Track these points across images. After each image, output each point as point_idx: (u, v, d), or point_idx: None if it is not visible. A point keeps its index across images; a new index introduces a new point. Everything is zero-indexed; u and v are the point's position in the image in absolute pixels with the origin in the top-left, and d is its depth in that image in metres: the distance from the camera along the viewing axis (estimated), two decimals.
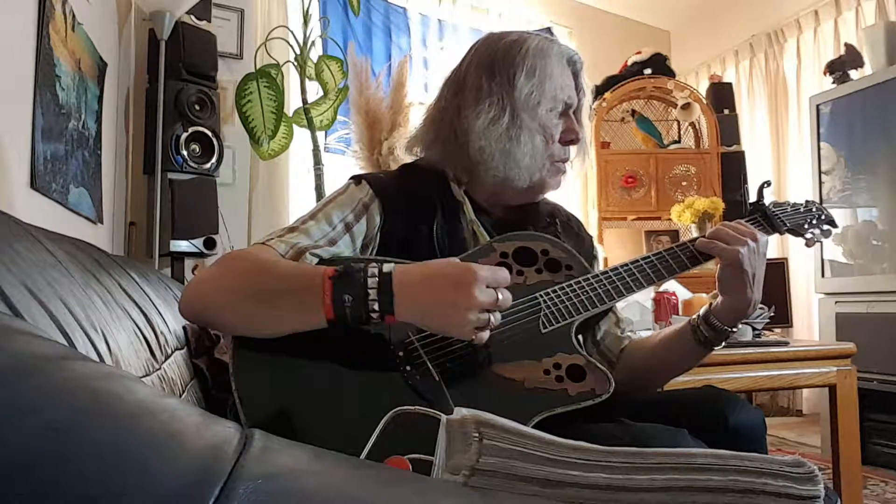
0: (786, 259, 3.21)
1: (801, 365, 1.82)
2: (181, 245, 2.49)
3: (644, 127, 4.04)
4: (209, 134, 2.58)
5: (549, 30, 3.92)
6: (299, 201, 3.25)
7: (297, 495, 0.31)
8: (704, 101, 3.83)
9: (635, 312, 1.91)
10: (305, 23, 2.58)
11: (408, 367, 0.84)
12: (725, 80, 4.21)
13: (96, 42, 2.04)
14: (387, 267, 0.80)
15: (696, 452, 0.50)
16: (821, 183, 3.12)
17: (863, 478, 2.11)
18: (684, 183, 3.79)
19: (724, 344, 1.05)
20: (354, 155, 2.94)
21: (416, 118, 2.44)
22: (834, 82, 3.13)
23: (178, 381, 1.04)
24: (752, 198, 1.16)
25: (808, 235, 1.15)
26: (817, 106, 3.15)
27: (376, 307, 0.77)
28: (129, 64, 2.61)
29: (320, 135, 2.70)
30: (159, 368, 0.95)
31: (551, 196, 1.15)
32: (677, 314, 1.98)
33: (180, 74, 2.53)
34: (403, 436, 0.62)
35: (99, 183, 2.09)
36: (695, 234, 3.19)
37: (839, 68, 3.12)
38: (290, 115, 2.63)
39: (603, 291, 0.97)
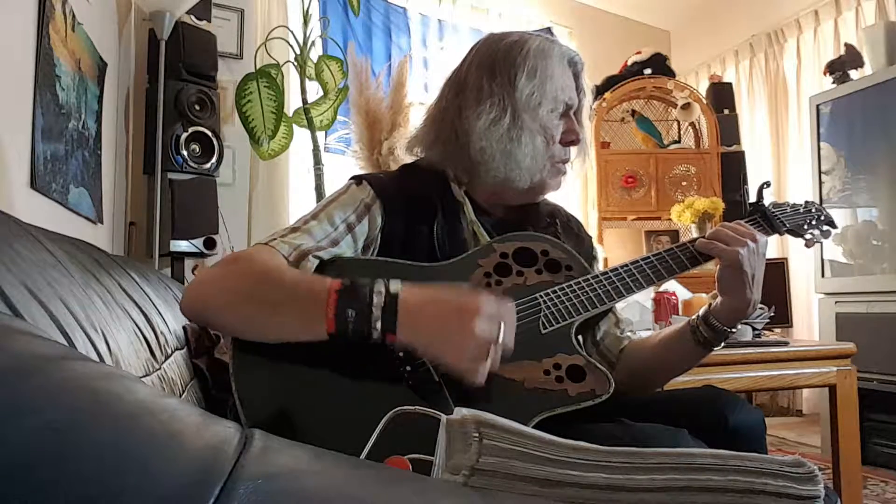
0: (786, 259, 3.21)
1: (801, 365, 1.82)
2: (181, 245, 2.50)
3: (644, 127, 4.04)
4: (209, 134, 2.58)
5: (549, 30, 3.92)
6: (299, 201, 3.25)
7: (297, 495, 0.31)
8: (704, 101, 3.83)
9: (635, 312, 1.91)
10: (305, 23, 2.58)
11: (408, 368, 0.84)
12: (725, 80, 4.21)
13: (96, 42, 2.04)
14: (394, 287, 0.79)
15: (695, 452, 0.50)
16: (821, 183, 3.12)
17: (863, 478, 2.11)
18: (684, 183, 3.79)
19: (723, 344, 1.05)
20: (354, 155, 2.94)
21: (416, 118, 2.44)
22: (834, 82, 3.13)
23: (178, 381, 1.05)
24: (752, 198, 1.16)
25: (808, 236, 1.15)
26: (817, 106, 3.15)
27: (378, 325, 0.77)
28: (129, 64, 2.61)
29: (320, 135, 2.70)
30: (159, 368, 0.95)
31: (551, 196, 1.15)
32: (677, 314, 1.98)
33: (180, 74, 2.53)
34: (403, 436, 0.62)
35: (99, 183, 2.09)
36: (695, 234, 3.20)
37: (839, 68, 3.12)
38: (290, 115, 2.63)
39: (603, 292, 0.97)
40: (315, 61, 2.58)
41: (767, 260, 1.04)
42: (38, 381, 0.31)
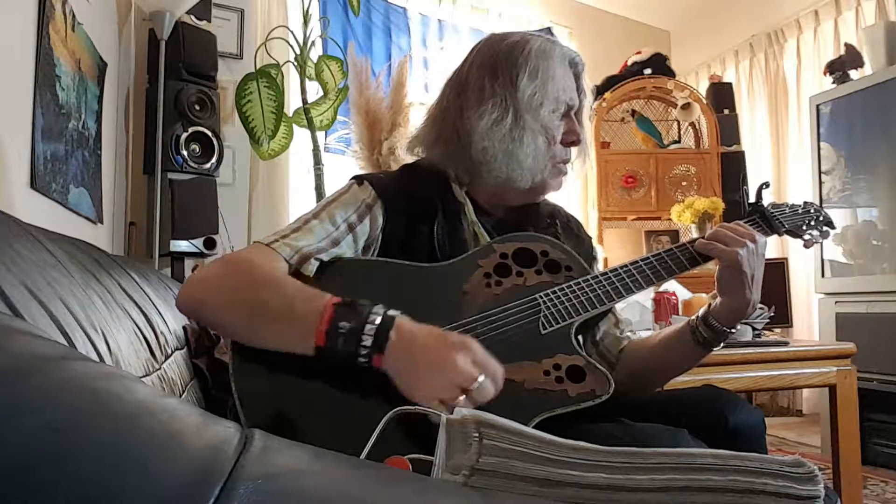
0: (786, 259, 3.21)
1: (801, 365, 1.82)
2: (181, 245, 2.50)
3: (644, 127, 4.04)
4: (209, 134, 2.58)
5: (549, 30, 3.92)
6: (299, 201, 3.25)
7: (297, 495, 0.31)
8: (704, 101, 3.83)
9: (635, 312, 1.91)
10: (305, 23, 2.58)
11: None
12: (725, 80, 4.21)
13: (96, 42, 2.04)
14: (392, 311, 0.79)
15: (695, 452, 0.50)
16: (821, 183, 3.12)
17: (863, 478, 2.11)
18: (684, 183, 3.79)
19: (722, 344, 1.05)
20: (354, 155, 2.94)
21: (416, 118, 2.45)
22: (834, 82, 3.13)
23: (178, 381, 1.05)
24: (752, 199, 1.16)
25: (807, 236, 1.15)
26: (817, 106, 3.15)
27: (369, 343, 0.76)
28: (129, 64, 2.61)
29: (320, 135, 2.70)
30: (159, 368, 0.95)
31: (551, 196, 1.15)
32: (677, 314, 1.98)
33: (180, 74, 2.53)
34: (403, 436, 0.62)
35: (99, 183, 2.09)
36: (695, 234, 3.20)
37: (839, 68, 3.12)
38: (290, 115, 2.63)
39: (602, 292, 0.97)
40: (315, 61, 2.58)
41: (767, 260, 1.04)
42: (38, 381, 0.31)
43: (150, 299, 1.11)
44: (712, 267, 1.06)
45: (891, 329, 2.68)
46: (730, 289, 0.99)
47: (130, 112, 2.60)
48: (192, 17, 2.61)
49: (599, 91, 3.78)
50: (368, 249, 0.99)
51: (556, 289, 0.96)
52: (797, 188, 3.73)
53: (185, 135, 2.51)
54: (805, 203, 1.19)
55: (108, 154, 2.26)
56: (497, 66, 1.04)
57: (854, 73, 3.10)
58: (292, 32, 2.60)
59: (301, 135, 2.69)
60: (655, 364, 1.09)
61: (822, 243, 1.17)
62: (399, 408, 0.62)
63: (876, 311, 2.77)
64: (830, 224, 1.19)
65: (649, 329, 1.90)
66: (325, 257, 0.92)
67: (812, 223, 1.16)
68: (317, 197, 2.54)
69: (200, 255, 2.56)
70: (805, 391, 3.72)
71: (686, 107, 3.80)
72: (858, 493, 1.82)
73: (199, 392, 1.21)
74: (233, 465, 0.31)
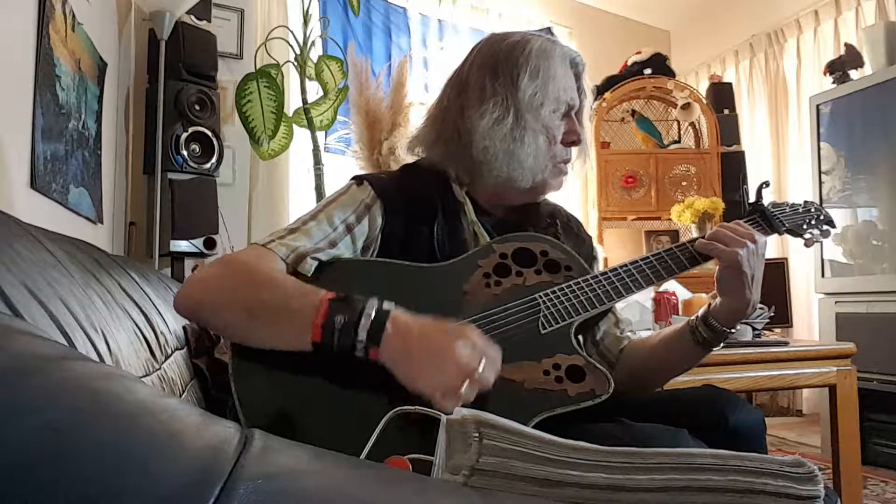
0: (786, 259, 3.21)
1: (801, 365, 1.82)
2: (181, 245, 2.50)
3: (644, 127, 4.04)
4: (209, 134, 2.58)
5: (549, 30, 3.92)
6: (299, 201, 3.25)
7: (297, 495, 0.31)
8: (704, 101, 3.83)
9: (635, 312, 1.91)
10: (305, 23, 2.58)
11: None
12: (725, 80, 4.21)
13: (96, 42, 2.04)
14: (387, 305, 0.79)
15: (695, 452, 0.50)
16: (821, 183, 3.12)
17: (863, 478, 2.11)
18: (684, 183, 3.79)
19: (722, 344, 1.05)
20: (354, 155, 2.94)
21: (416, 118, 2.45)
22: (834, 82, 3.13)
23: (178, 381, 1.05)
24: (752, 198, 1.16)
25: (807, 236, 1.15)
26: (817, 106, 3.15)
27: (364, 336, 0.76)
28: (129, 64, 2.61)
29: (320, 135, 2.70)
30: (159, 368, 0.95)
31: (552, 196, 1.15)
32: (677, 314, 1.98)
33: (180, 74, 2.53)
34: (403, 436, 0.62)
35: (99, 183, 2.09)
36: (695, 234, 3.20)
37: (839, 68, 3.12)
38: (290, 115, 2.63)
39: (602, 292, 0.97)
40: (315, 61, 2.58)
41: (767, 260, 1.04)
42: (38, 381, 0.31)
43: (150, 299, 1.11)
44: (712, 267, 1.06)
45: (891, 329, 2.68)
46: (730, 289, 0.99)
47: (130, 112, 2.60)
48: (192, 17, 2.61)
49: (599, 91, 3.78)
50: (367, 250, 0.99)
51: (555, 288, 0.95)
52: (797, 188, 3.73)
53: (185, 135, 2.51)
54: (805, 202, 1.19)
55: (108, 154, 2.26)
56: (498, 66, 1.04)
57: (854, 73, 3.10)
58: (292, 32, 2.60)
59: (301, 135, 2.69)
60: (655, 364, 1.09)
61: (822, 243, 1.16)
62: (399, 408, 0.62)
63: (876, 311, 2.77)
64: (831, 223, 1.19)
65: (649, 329, 1.90)
66: (322, 257, 0.92)
67: (813, 222, 1.16)
68: (317, 197, 2.54)
69: (200, 255, 2.56)
70: (805, 391, 3.72)
71: (686, 107, 3.80)
72: (858, 493, 1.82)
73: (199, 392, 1.21)
74: (233, 465, 0.31)
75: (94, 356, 0.63)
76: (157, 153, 2.43)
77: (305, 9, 2.60)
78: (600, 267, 1.13)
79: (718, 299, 1.02)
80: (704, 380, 1.44)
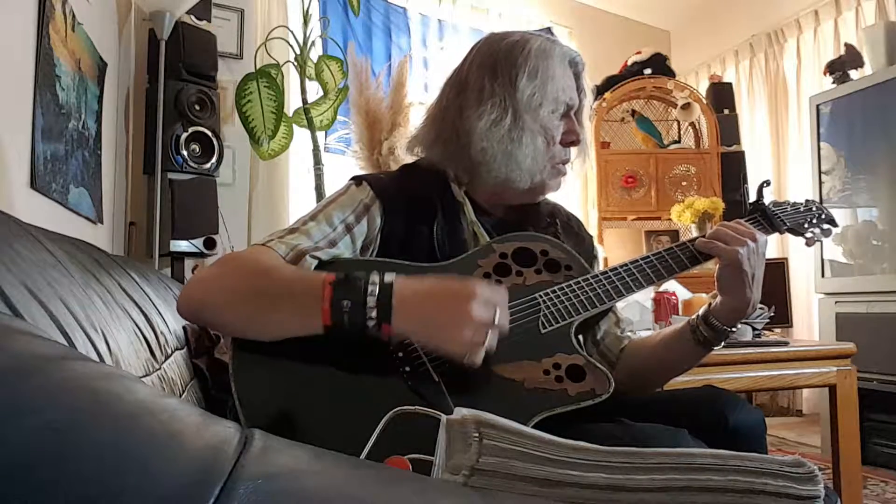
0: (786, 259, 3.21)
1: (801, 365, 1.82)
2: (181, 245, 2.50)
3: (644, 127, 4.04)
4: (209, 134, 2.58)
5: (549, 30, 3.91)
6: (299, 201, 3.25)
7: (297, 495, 0.31)
8: (704, 101, 3.83)
9: (635, 312, 1.91)
10: (305, 23, 2.58)
11: (407, 368, 0.84)
12: (725, 80, 4.21)
13: (96, 42, 2.04)
14: (388, 277, 0.79)
15: (695, 452, 0.50)
16: (821, 183, 3.12)
17: (863, 478, 2.11)
18: (684, 183, 3.79)
19: (723, 344, 1.05)
20: (354, 155, 2.94)
21: (416, 118, 2.44)
22: (834, 82, 3.13)
23: (178, 381, 1.05)
24: (752, 197, 1.16)
25: (809, 235, 1.15)
26: (817, 106, 3.15)
27: (374, 315, 0.77)
28: (129, 64, 2.61)
29: (320, 135, 2.70)
30: (159, 368, 0.95)
31: (552, 196, 1.15)
32: (677, 314, 1.98)
33: (180, 74, 2.53)
34: (403, 436, 0.62)
35: (99, 183, 2.09)
36: (695, 234, 3.20)
37: (839, 68, 3.12)
38: (290, 115, 2.63)
39: (602, 291, 0.96)
40: (315, 61, 2.58)
41: (767, 260, 1.04)
42: (38, 381, 0.31)
43: (150, 299, 1.10)
44: (712, 266, 1.06)
45: (891, 329, 2.68)
46: (730, 288, 0.99)
47: (130, 112, 2.60)
48: (192, 17, 2.61)
49: (599, 91, 3.78)
50: (367, 249, 0.99)
51: (555, 288, 0.95)
52: (797, 188, 3.73)
53: (185, 135, 2.51)
54: (807, 201, 1.19)
55: (108, 154, 2.26)
56: (496, 66, 1.04)
57: (854, 73, 3.10)
58: (292, 32, 2.60)
59: (301, 135, 2.69)
60: (656, 364, 1.09)
61: (822, 243, 1.16)
62: (399, 408, 0.62)
63: (876, 311, 2.77)
64: (832, 222, 1.18)
65: (649, 329, 1.90)
66: (322, 256, 0.92)
67: (814, 221, 1.16)
68: (317, 197, 2.54)
69: (200, 255, 2.56)
70: (805, 391, 3.72)
71: (686, 107, 3.80)
72: (858, 493, 1.82)
73: (199, 392, 1.21)
74: (233, 465, 0.31)
75: (94, 356, 0.63)
76: (157, 153, 2.43)
77: (305, 9, 2.60)
78: (600, 266, 1.13)
79: (719, 298, 1.02)
80: (704, 380, 1.44)
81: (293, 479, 0.32)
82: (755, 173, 3.84)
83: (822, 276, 3.08)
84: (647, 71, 3.86)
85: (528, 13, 4.30)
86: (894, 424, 2.67)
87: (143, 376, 0.86)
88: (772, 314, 1.91)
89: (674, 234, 3.85)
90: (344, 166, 3.07)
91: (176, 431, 0.32)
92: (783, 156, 3.97)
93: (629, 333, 1.15)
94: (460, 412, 0.50)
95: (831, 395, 1.83)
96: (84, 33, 1.90)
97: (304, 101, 2.55)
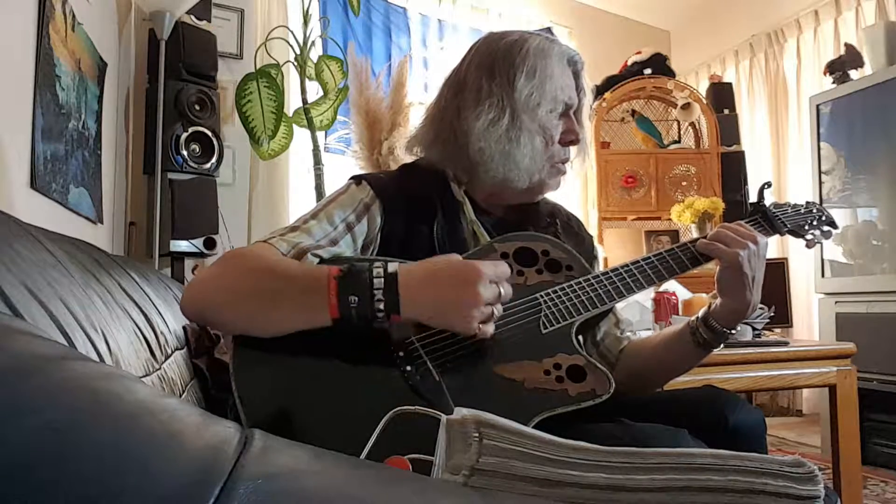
0: (786, 259, 3.21)
1: (801, 365, 1.82)
2: (181, 245, 2.49)
3: (644, 127, 4.04)
4: (209, 134, 2.58)
5: (549, 30, 3.90)
6: (299, 201, 3.25)
7: (297, 495, 0.31)
8: (704, 101, 3.83)
9: (635, 312, 1.91)
10: (305, 23, 2.58)
11: (408, 367, 0.84)
12: (725, 80, 4.21)
13: (96, 42, 2.04)
14: (391, 267, 0.80)
15: (695, 452, 0.50)
16: (821, 183, 3.12)
17: (863, 478, 2.11)
18: (684, 183, 3.79)
19: (722, 345, 1.05)
20: (354, 155, 2.94)
21: (416, 118, 2.44)
22: (834, 82, 3.13)
23: (178, 381, 1.04)
24: (753, 198, 1.16)
25: (809, 236, 1.15)
26: (817, 106, 3.15)
27: (382, 307, 0.78)
28: (129, 64, 2.61)
29: (320, 135, 2.70)
30: (159, 368, 0.95)
31: (551, 196, 1.15)
32: (677, 314, 1.98)
33: (180, 74, 2.53)
34: (403, 436, 0.62)
35: (99, 183, 2.09)
36: (695, 234, 3.19)
37: (839, 68, 3.12)
38: (290, 115, 2.63)
39: (603, 292, 0.96)
40: (315, 61, 2.58)
41: (767, 260, 1.04)
42: (38, 381, 0.31)
43: (150, 299, 1.10)
44: (712, 267, 1.06)
45: (891, 329, 2.68)
46: (730, 290, 0.99)
47: (130, 112, 2.60)
48: (192, 17, 2.61)
49: (599, 91, 3.78)
50: (367, 249, 0.99)
51: (556, 288, 0.95)
52: (797, 188, 3.74)
53: (185, 135, 2.51)
54: (807, 203, 1.19)
55: (108, 154, 2.26)
56: (494, 66, 1.04)
57: (854, 73, 3.10)
58: (292, 32, 2.60)
59: (301, 135, 2.69)
60: (655, 365, 1.09)
61: (822, 243, 1.16)
62: (399, 408, 0.62)
63: (876, 311, 2.77)
64: (833, 224, 1.18)
65: (649, 329, 1.90)
66: (323, 254, 0.92)
67: (814, 223, 1.16)
68: (317, 197, 2.54)
69: (200, 255, 2.56)
70: (805, 391, 3.72)
71: (686, 107, 3.80)
72: (858, 493, 1.82)
73: (199, 392, 1.21)
74: (233, 465, 0.31)
75: (94, 356, 0.63)
76: (157, 153, 2.43)
77: (305, 9, 2.60)
78: (600, 267, 1.13)
79: (718, 300, 1.02)
80: (704, 380, 1.44)
81: (293, 479, 0.32)
82: (755, 173, 3.84)
83: (822, 276, 3.08)
84: (647, 71, 3.86)
85: (528, 13, 4.30)
86: (894, 424, 2.67)
87: (143, 376, 0.86)
88: (772, 314, 1.91)
89: (674, 234, 3.85)
90: (344, 166, 3.07)
91: (176, 431, 0.32)
92: (783, 156, 3.97)
93: (629, 334, 1.15)
94: (460, 412, 0.50)
95: (831, 395, 1.83)
96: (84, 33, 1.90)
97: (304, 101, 2.55)
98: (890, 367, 2.65)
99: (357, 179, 1.03)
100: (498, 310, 0.82)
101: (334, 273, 0.79)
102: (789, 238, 1.16)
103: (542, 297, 0.94)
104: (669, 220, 3.45)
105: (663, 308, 1.97)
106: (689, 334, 1.04)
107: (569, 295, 0.95)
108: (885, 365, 2.66)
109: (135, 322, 0.91)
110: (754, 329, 1.90)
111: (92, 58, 2.00)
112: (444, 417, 0.50)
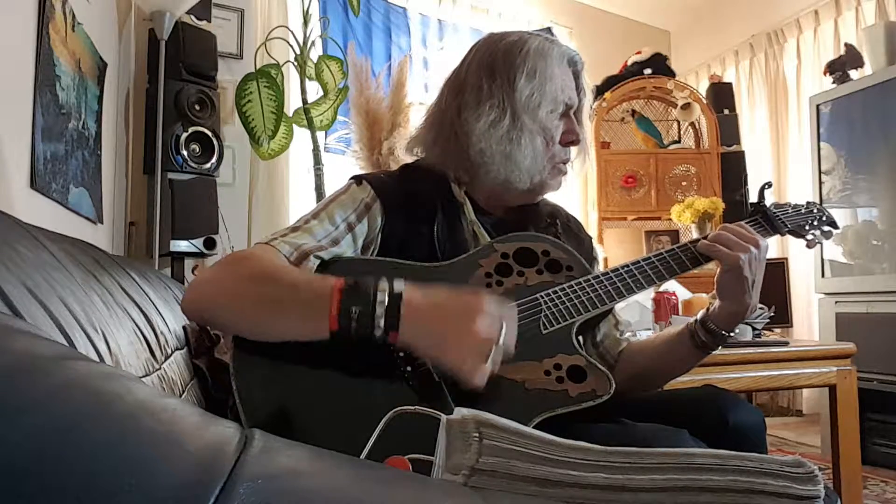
0: (786, 259, 3.21)
1: (801, 365, 1.82)
2: (181, 245, 2.49)
3: (644, 127, 4.04)
4: (209, 134, 2.58)
5: (549, 30, 3.90)
6: (299, 201, 3.25)
7: (297, 495, 0.31)
8: (704, 101, 3.83)
9: (635, 313, 1.91)
10: (305, 23, 2.58)
11: (408, 368, 0.84)
12: (725, 80, 4.21)
13: (96, 42, 2.04)
14: (398, 286, 0.79)
15: (696, 452, 0.50)
16: (821, 183, 3.12)
17: (863, 478, 2.11)
18: (684, 183, 3.79)
19: (720, 347, 1.05)
20: (354, 155, 2.94)
21: (416, 118, 2.44)
22: (834, 82, 3.13)
23: (178, 381, 1.04)
24: (753, 198, 1.16)
25: (809, 237, 1.15)
26: (817, 106, 3.15)
27: (382, 323, 0.76)
28: (129, 64, 2.61)
29: (320, 135, 2.70)
30: (159, 368, 0.95)
31: (551, 196, 1.15)
32: (677, 314, 1.97)
33: (180, 74, 2.52)
34: (403, 436, 0.62)
35: (99, 183, 2.09)
36: (695, 234, 3.19)
37: (839, 68, 3.12)
38: (290, 115, 2.63)
39: (603, 292, 0.96)
40: (315, 61, 2.58)
41: (767, 260, 1.04)
42: (38, 381, 0.31)
43: (150, 299, 1.10)
44: (712, 267, 1.06)
45: (891, 329, 2.68)
46: (730, 293, 0.99)
47: (130, 112, 2.60)
48: (192, 17, 2.61)
49: (599, 91, 3.78)
50: (368, 249, 0.99)
51: (557, 289, 0.95)
52: (797, 188, 3.74)
53: (185, 135, 2.51)
54: (808, 203, 1.19)
55: (108, 154, 2.26)
56: (495, 67, 1.04)
57: (854, 73, 3.10)
58: (292, 32, 2.60)
59: (301, 135, 2.69)
60: (655, 367, 1.09)
61: (822, 243, 1.17)
62: (399, 408, 0.62)
63: (876, 311, 2.77)
64: (833, 224, 1.19)
65: (649, 329, 1.90)
66: (324, 255, 0.92)
67: (815, 223, 1.16)
68: (317, 197, 2.54)
69: (200, 255, 2.56)
70: (805, 391, 3.72)
71: (686, 107, 3.80)
72: (858, 493, 1.81)
73: (199, 392, 1.21)
74: (233, 465, 0.31)
75: (94, 356, 0.63)
76: (157, 153, 2.43)
77: (305, 9, 2.60)
78: (600, 267, 1.13)
79: (717, 302, 1.02)
80: (704, 380, 1.44)
81: (293, 479, 0.32)
82: (755, 173, 3.84)
83: (822, 276, 3.08)
84: (647, 71, 3.86)
85: (528, 13, 4.30)
86: (894, 424, 2.67)
87: (143, 376, 0.86)
88: (772, 314, 1.91)
89: (674, 234, 3.85)
90: (344, 166, 3.07)
91: (176, 431, 0.32)
92: (783, 156, 3.97)
93: (628, 335, 1.15)
94: (460, 412, 0.50)
95: (831, 395, 1.83)
96: (84, 33, 1.90)
97: (304, 101, 2.55)
98: (890, 367, 2.65)
99: (358, 179, 1.03)
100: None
101: (339, 285, 0.79)
102: (789, 238, 1.16)
103: (542, 297, 0.94)
104: (669, 220, 3.45)
105: (663, 308, 1.97)
106: (687, 336, 1.04)
107: (569, 295, 0.95)
108: (885, 365, 2.66)
109: (135, 322, 0.91)
110: (754, 329, 1.90)
111: (92, 58, 2.00)
112: (444, 417, 0.50)
